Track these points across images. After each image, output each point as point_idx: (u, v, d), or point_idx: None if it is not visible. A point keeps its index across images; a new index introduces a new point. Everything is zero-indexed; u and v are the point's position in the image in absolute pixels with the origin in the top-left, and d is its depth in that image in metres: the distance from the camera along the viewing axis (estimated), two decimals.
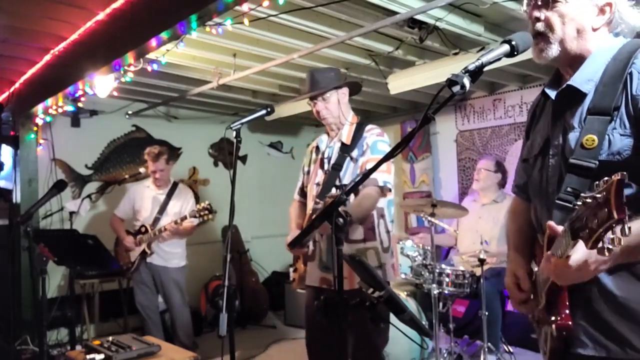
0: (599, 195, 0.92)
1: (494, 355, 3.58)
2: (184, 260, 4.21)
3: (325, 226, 2.31)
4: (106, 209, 5.11)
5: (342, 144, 2.55)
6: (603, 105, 1.24)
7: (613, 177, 0.90)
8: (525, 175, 1.52)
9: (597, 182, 0.94)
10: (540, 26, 1.33)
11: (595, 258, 1.09)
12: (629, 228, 0.89)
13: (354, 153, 2.51)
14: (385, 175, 2.43)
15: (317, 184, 2.58)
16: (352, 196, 2.43)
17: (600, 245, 0.92)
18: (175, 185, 4.25)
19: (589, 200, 0.94)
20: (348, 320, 1.48)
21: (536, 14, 1.34)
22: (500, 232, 3.95)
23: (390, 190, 2.47)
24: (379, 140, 2.50)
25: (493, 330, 3.64)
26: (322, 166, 2.62)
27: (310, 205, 2.59)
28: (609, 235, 0.90)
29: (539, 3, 1.34)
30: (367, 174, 1.55)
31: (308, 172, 2.75)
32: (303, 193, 2.78)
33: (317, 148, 2.71)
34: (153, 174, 4.12)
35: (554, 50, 1.33)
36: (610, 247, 0.91)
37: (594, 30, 1.32)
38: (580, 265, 1.09)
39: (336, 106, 2.57)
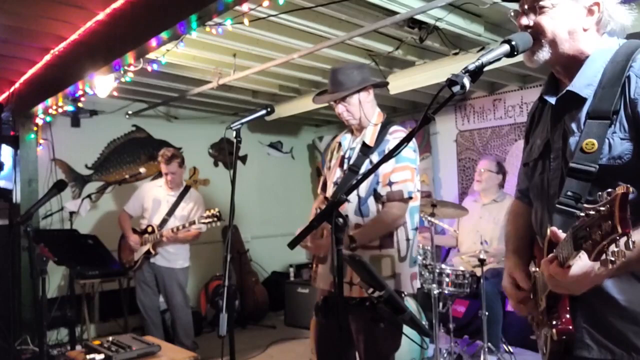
0: (602, 209, 0.91)
1: (494, 355, 3.58)
2: (187, 261, 4.20)
3: (321, 248, 2.31)
4: (106, 209, 5.11)
5: (364, 144, 2.44)
6: (602, 109, 1.24)
7: (617, 189, 0.89)
8: (526, 179, 1.52)
9: (600, 193, 0.93)
10: (530, 33, 1.32)
11: (596, 271, 1.08)
12: (633, 242, 0.88)
13: (374, 157, 2.38)
14: (409, 184, 2.31)
15: (335, 183, 2.50)
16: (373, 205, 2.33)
17: (603, 257, 0.92)
18: (187, 188, 4.24)
19: (592, 212, 0.93)
20: (347, 320, 1.48)
21: (524, 22, 1.33)
22: (501, 232, 3.95)
23: (411, 198, 2.34)
24: (403, 146, 2.39)
25: (494, 331, 3.64)
26: (341, 165, 2.53)
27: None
28: (613, 248, 0.90)
29: (527, 10, 1.33)
30: (366, 175, 1.54)
31: (330, 168, 2.66)
32: (326, 188, 2.68)
33: (340, 145, 2.61)
34: (165, 176, 4.13)
35: (544, 54, 1.32)
36: (614, 259, 0.90)
37: (585, 31, 1.31)
38: (580, 277, 1.08)
39: (357, 107, 2.44)
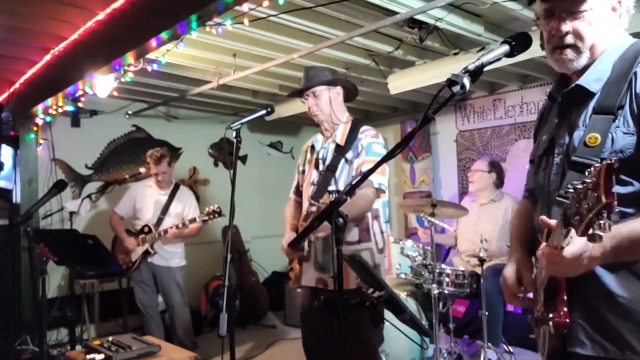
0: (588, 181, 0.92)
1: (494, 355, 3.58)
2: (184, 260, 4.22)
3: (320, 228, 2.36)
4: (106, 209, 5.10)
5: (337, 145, 2.55)
6: (608, 104, 1.25)
7: (603, 162, 0.90)
8: (533, 177, 1.53)
9: (588, 170, 0.94)
10: (570, 39, 1.31)
11: (590, 251, 1.09)
12: (618, 213, 0.90)
13: (349, 155, 2.51)
14: (379, 177, 2.44)
15: (313, 184, 2.58)
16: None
17: (590, 232, 0.92)
18: (177, 186, 4.26)
19: (580, 186, 0.94)
20: (349, 320, 1.48)
21: (565, 28, 1.30)
22: (499, 232, 3.95)
23: (384, 192, 2.48)
24: (373, 142, 2.50)
25: (494, 330, 3.64)
26: (316, 166, 2.62)
27: (305, 205, 2.60)
28: (599, 221, 0.90)
29: (564, 15, 1.31)
30: (366, 175, 1.54)
31: (303, 172, 2.75)
32: (298, 192, 2.78)
33: (312, 147, 2.71)
34: (155, 176, 4.13)
35: (584, 59, 1.32)
36: (599, 233, 0.91)
37: (612, 28, 1.33)
38: (575, 256, 1.09)
39: (327, 104, 2.56)
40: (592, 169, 0.93)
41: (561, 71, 1.37)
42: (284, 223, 2.78)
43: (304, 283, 2.57)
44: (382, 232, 2.54)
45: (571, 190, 0.97)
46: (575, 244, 1.07)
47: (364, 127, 2.57)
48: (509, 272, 1.46)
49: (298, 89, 2.65)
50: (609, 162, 0.89)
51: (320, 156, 2.62)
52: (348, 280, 2.32)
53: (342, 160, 2.51)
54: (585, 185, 0.93)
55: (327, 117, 2.59)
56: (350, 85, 2.69)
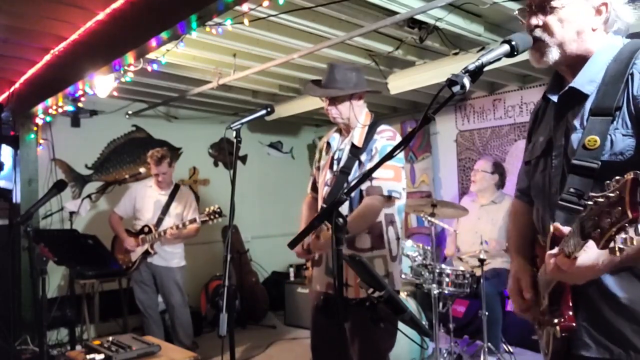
0: (612, 195, 0.90)
1: (494, 356, 3.58)
2: (183, 260, 4.22)
3: (322, 246, 2.33)
4: (106, 209, 5.10)
5: (353, 146, 2.45)
6: (605, 106, 1.24)
7: (626, 175, 0.89)
8: (527, 178, 1.52)
9: (608, 182, 0.93)
10: (538, 32, 1.32)
11: (602, 261, 1.09)
12: None
13: (363, 157, 2.41)
14: (392, 183, 2.33)
15: (326, 185, 2.52)
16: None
17: (612, 245, 0.92)
18: (177, 187, 4.26)
19: (600, 199, 0.93)
20: (348, 319, 1.48)
21: (534, 21, 1.33)
22: (498, 232, 3.95)
23: (398, 198, 2.36)
24: (388, 144, 2.38)
25: (494, 331, 3.64)
26: (331, 167, 2.54)
27: (320, 205, 2.55)
28: (622, 235, 0.89)
29: (535, 9, 1.33)
30: (366, 175, 1.54)
31: (318, 168, 2.68)
32: (315, 187, 2.71)
33: (328, 145, 2.61)
34: (156, 176, 4.14)
35: (554, 55, 1.32)
36: (623, 247, 0.90)
37: (593, 30, 1.32)
38: (587, 268, 1.09)
39: (347, 108, 2.45)
40: (614, 182, 0.91)
41: (536, 66, 1.37)
42: (301, 220, 2.71)
43: (315, 287, 2.51)
44: (397, 239, 2.42)
45: (590, 202, 0.96)
46: (589, 254, 1.06)
47: (381, 127, 2.45)
48: (511, 287, 1.45)
49: (317, 87, 2.52)
50: (634, 176, 0.88)
51: (336, 156, 2.52)
52: (357, 289, 2.28)
53: (357, 163, 2.41)
54: (608, 199, 0.91)
55: (345, 120, 2.49)
56: (372, 90, 2.62)
